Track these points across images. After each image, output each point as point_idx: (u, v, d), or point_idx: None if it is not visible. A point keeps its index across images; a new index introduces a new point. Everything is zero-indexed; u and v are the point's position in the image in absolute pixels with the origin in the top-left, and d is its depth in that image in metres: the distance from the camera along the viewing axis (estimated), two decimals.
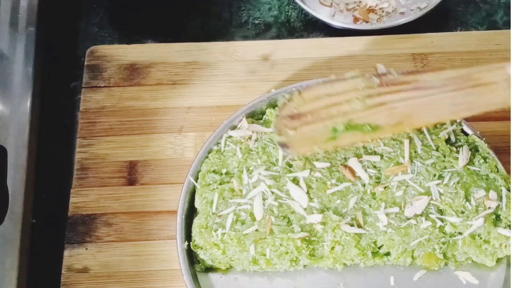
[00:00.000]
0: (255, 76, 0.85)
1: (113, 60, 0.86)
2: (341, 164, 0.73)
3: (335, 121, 0.65)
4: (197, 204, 0.73)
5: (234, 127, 0.77)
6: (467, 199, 0.71)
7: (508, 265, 0.72)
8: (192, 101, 0.84)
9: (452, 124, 0.75)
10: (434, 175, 0.72)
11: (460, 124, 0.76)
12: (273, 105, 0.78)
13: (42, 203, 0.80)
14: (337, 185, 0.72)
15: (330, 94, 0.65)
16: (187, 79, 0.85)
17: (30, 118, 0.81)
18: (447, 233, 0.70)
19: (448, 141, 0.75)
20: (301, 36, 0.91)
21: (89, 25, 0.92)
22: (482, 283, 0.72)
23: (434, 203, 0.71)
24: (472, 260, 0.72)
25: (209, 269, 0.73)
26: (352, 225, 0.70)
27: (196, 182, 0.74)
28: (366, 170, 0.72)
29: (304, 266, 0.72)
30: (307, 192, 0.71)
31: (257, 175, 0.72)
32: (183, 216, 0.73)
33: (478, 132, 0.75)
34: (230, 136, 0.76)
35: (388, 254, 0.71)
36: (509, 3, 0.91)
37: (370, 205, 0.71)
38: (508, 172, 0.73)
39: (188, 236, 0.73)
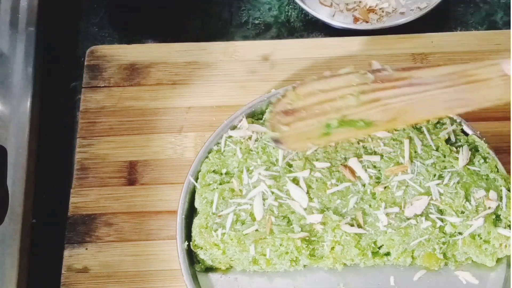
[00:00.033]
0: (255, 76, 0.85)
1: (113, 60, 0.86)
2: (341, 164, 0.73)
3: (329, 117, 0.65)
4: (197, 204, 0.73)
5: (234, 127, 0.77)
6: (467, 199, 0.71)
7: (508, 265, 0.72)
8: (192, 101, 0.84)
9: (452, 124, 0.75)
10: (434, 175, 0.72)
11: (460, 124, 0.76)
12: None
13: (42, 203, 0.80)
14: (337, 185, 0.72)
15: (324, 90, 0.65)
16: (187, 79, 0.85)
17: (30, 118, 0.81)
18: (447, 233, 0.70)
19: (448, 141, 0.75)
20: (301, 36, 0.91)
21: (89, 25, 0.92)
22: (482, 283, 0.72)
23: (434, 203, 0.71)
24: (472, 260, 0.72)
25: (209, 269, 0.73)
26: (352, 225, 0.70)
27: (196, 182, 0.74)
28: (366, 170, 0.72)
29: (304, 266, 0.72)
30: (307, 192, 0.71)
31: (257, 175, 0.72)
32: (183, 216, 0.73)
33: (478, 132, 0.75)
34: (230, 136, 0.76)
35: (388, 254, 0.71)
36: (509, 3, 0.91)
37: (370, 205, 0.71)
38: (508, 172, 0.73)
39: (188, 236, 0.73)
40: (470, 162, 0.73)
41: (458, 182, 0.71)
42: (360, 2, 0.89)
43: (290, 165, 0.73)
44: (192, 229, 0.72)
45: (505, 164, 0.74)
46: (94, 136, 0.82)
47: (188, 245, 0.72)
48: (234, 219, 0.71)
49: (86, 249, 0.76)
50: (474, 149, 0.75)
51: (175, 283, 0.74)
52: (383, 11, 0.88)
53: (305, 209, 0.70)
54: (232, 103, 0.83)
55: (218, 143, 0.76)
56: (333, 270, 0.72)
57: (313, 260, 0.71)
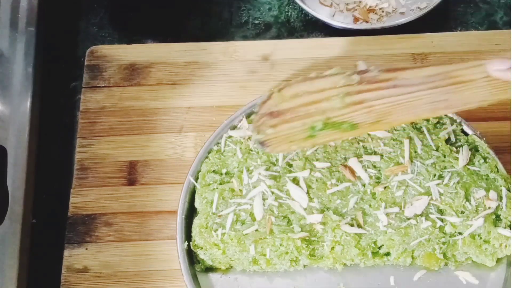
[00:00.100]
0: (255, 76, 0.85)
1: (113, 60, 0.86)
2: (341, 164, 0.73)
3: (314, 119, 0.64)
4: (197, 204, 0.73)
5: (234, 127, 0.77)
6: (467, 199, 0.71)
7: (508, 265, 0.72)
8: (192, 101, 0.84)
9: (452, 124, 0.76)
10: (434, 175, 0.72)
11: (460, 124, 0.76)
12: None
13: (42, 203, 0.80)
14: (337, 185, 0.72)
15: (310, 91, 0.64)
16: (187, 79, 0.85)
17: (30, 118, 0.81)
18: (447, 233, 0.70)
19: (448, 141, 0.75)
20: (301, 36, 0.91)
21: (89, 25, 0.92)
22: (482, 283, 0.72)
23: (434, 203, 0.71)
24: (472, 260, 0.72)
25: (209, 269, 0.73)
26: (352, 225, 0.70)
27: (196, 182, 0.74)
28: (366, 170, 0.72)
29: (304, 266, 0.72)
30: (307, 192, 0.71)
31: (257, 175, 0.72)
32: (183, 216, 0.73)
33: (478, 132, 0.75)
34: (230, 136, 0.76)
35: (388, 254, 0.71)
36: (509, 3, 0.91)
37: (370, 205, 0.71)
38: (508, 172, 0.73)
39: (188, 236, 0.73)
40: (470, 162, 0.73)
41: (458, 182, 0.71)
42: (360, 2, 0.89)
43: (290, 165, 0.73)
44: (192, 229, 0.72)
45: (505, 164, 0.74)
46: (94, 136, 0.82)
47: (188, 245, 0.72)
48: (234, 219, 0.71)
49: (86, 249, 0.76)
50: (474, 149, 0.75)
51: (175, 283, 0.74)
52: (383, 11, 0.88)
53: (305, 209, 0.70)
54: (232, 103, 0.83)
55: (218, 143, 0.76)
56: (333, 270, 0.72)
57: (313, 260, 0.71)
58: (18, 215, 0.75)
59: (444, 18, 0.91)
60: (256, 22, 0.92)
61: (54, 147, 0.83)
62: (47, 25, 0.89)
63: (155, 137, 0.82)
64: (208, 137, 0.77)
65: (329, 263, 0.71)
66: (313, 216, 0.70)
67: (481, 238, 0.71)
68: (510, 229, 0.70)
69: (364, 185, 0.72)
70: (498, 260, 0.72)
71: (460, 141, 0.75)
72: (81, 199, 0.78)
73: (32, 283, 0.75)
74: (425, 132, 0.74)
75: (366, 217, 0.71)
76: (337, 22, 0.87)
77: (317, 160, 0.73)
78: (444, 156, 0.73)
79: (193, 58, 0.86)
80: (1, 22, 0.86)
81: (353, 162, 0.72)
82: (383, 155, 0.73)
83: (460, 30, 0.90)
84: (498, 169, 0.73)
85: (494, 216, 0.71)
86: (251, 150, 0.74)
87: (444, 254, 0.71)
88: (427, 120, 0.75)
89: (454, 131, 0.75)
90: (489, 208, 0.70)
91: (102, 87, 0.85)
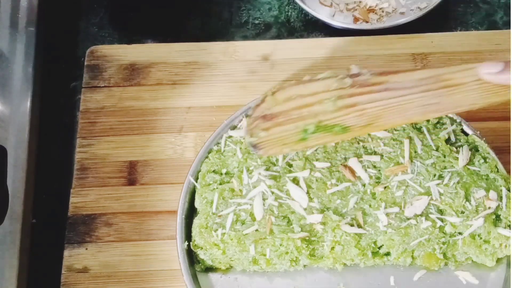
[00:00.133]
0: (255, 76, 0.85)
1: (113, 60, 0.86)
2: (341, 164, 0.73)
3: (306, 122, 0.65)
4: (197, 204, 0.73)
5: (234, 127, 0.77)
6: (467, 199, 0.71)
7: (508, 265, 0.72)
8: (192, 101, 0.84)
9: (452, 124, 0.76)
10: (434, 175, 0.72)
11: (460, 124, 0.76)
12: None
13: (42, 203, 0.80)
14: (337, 185, 0.72)
15: (303, 94, 0.65)
16: (187, 79, 0.85)
17: (30, 118, 0.81)
18: (447, 233, 0.70)
19: (448, 141, 0.75)
20: (301, 36, 0.91)
21: (89, 25, 0.92)
22: (482, 283, 0.72)
23: (434, 203, 0.71)
24: (472, 260, 0.72)
25: (209, 269, 0.73)
26: (352, 225, 0.70)
27: (196, 182, 0.74)
28: (366, 170, 0.72)
29: (304, 266, 0.72)
30: (307, 192, 0.71)
31: (257, 175, 0.72)
32: (183, 216, 0.73)
33: (478, 132, 0.75)
34: (230, 136, 0.76)
35: (388, 254, 0.71)
36: (509, 3, 0.91)
37: (370, 205, 0.71)
38: (508, 172, 0.73)
39: (188, 236, 0.73)
40: (470, 162, 0.73)
41: (458, 182, 0.71)
42: (360, 2, 0.89)
43: (290, 165, 0.73)
44: (192, 229, 0.72)
45: (505, 164, 0.74)
46: (94, 136, 0.82)
47: (188, 245, 0.72)
48: (234, 219, 0.71)
49: (86, 249, 0.76)
50: (474, 149, 0.75)
51: (175, 283, 0.74)
52: (383, 11, 0.88)
53: (305, 209, 0.70)
54: (232, 103, 0.83)
55: (218, 143, 0.76)
56: (333, 270, 0.72)
57: (313, 260, 0.71)
58: (18, 215, 0.75)
59: (444, 18, 0.91)
60: (256, 22, 0.92)
61: (54, 147, 0.83)
62: (47, 25, 0.89)
63: (155, 137, 0.82)
64: (208, 137, 0.77)
65: (329, 263, 0.71)
66: (313, 216, 0.70)
67: (481, 238, 0.71)
68: (510, 229, 0.70)
69: (364, 185, 0.72)
70: (498, 260, 0.72)
71: (460, 141, 0.75)
72: (81, 199, 0.78)
73: (32, 283, 0.75)
74: (425, 132, 0.74)
75: (366, 217, 0.71)
76: (337, 22, 0.87)
77: (317, 160, 0.73)
78: (444, 156, 0.73)
79: (193, 58, 0.86)
80: (1, 22, 0.86)
81: (353, 162, 0.73)
82: (383, 155, 0.73)
83: (460, 30, 0.90)
84: (498, 169, 0.73)
85: (494, 216, 0.71)
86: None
87: (444, 254, 0.71)
88: (427, 120, 0.75)
89: (454, 131, 0.75)
90: (489, 208, 0.70)
91: (102, 87, 0.85)
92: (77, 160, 0.80)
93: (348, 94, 0.63)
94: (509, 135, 0.78)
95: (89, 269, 0.75)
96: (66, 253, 0.76)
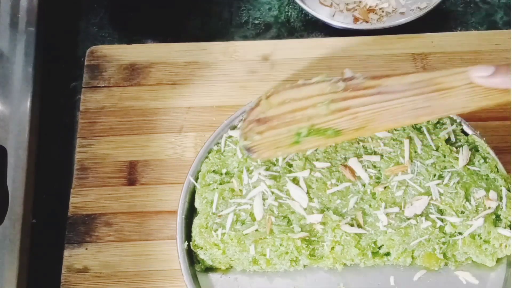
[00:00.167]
0: (255, 76, 0.85)
1: (113, 60, 0.86)
2: (341, 164, 0.73)
3: (299, 126, 0.65)
4: (197, 204, 0.73)
5: (234, 127, 0.77)
6: (467, 199, 0.71)
7: (508, 265, 0.72)
8: (192, 101, 0.84)
9: (452, 124, 0.76)
10: (434, 175, 0.72)
11: (460, 124, 0.76)
12: None
13: (42, 203, 0.80)
14: (337, 185, 0.72)
15: (297, 98, 0.65)
16: (187, 79, 0.85)
17: (30, 118, 0.81)
18: (447, 233, 0.70)
19: (448, 141, 0.75)
20: (301, 36, 0.91)
21: (89, 25, 0.92)
22: (482, 283, 0.72)
23: (434, 203, 0.71)
24: (472, 260, 0.72)
25: (209, 269, 0.73)
26: (352, 225, 0.70)
27: (196, 182, 0.74)
28: (366, 170, 0.72)
29: (304, 266, 0.72)
30: (307, 192, 0.71)
31: (257, 175, 0.72)
32: (183, 216, 0.73)
33: (478, 132, 0.75)
34: (230, 136, 0.76)
35: (388, 254, 0.71)
36: (509, 3, 0.91)
37: (370, 205, 0.71)
38: (508, 172, 0.73)
39: (188, 236, 0.73)
40: (470, 162, 0.73)
41: (458, 182, 0.71)
42: (360, 2, 0.89)
43: (290, 165, 0.73)
44: (192, 229, 0.72)
45: (505, 164, 0.74)
46: (94, 136, 0.82)
47: (188, 245, 0.72)
48: (234, 219, 0.71)
49: (86, 249, 0.76)
50: (474, 149, 0.75)
51: (175, 283, 0.74)
52: (383, 11, 0.88)
53: (305, 209, 0.70)
54: (232, 103, 0.83)
55: (218, 143, 0.76)
56: (333, 270, 0.72)
57: (313, 260, 0.71)
58: (18, 215, 0.75)
59: (444, 18, 0.91)
60: (256, 22, 0.92)
61: (54, 147, 0.83)
62: (47, 25, 0.89)
63: (155, 137, 0.82)
64: (208, 137, 0.77)
65: (329, 263, 0.71)
66: (313, 216, 0.70)
67: (481, 238, 0.71)
68: (510, 229, 0.70)
69: (364, 185, 0.72)
70: (498, 260, 0.72)
71: (460, 141, 0.75)
72: (81, 199, 0.78)
73: (32, 283, 0.75)
74: (425, 132, 0.74)
75: (366, 217, 0.71)
76: (337, 22, 0.87)
77: (317, 160, 0.73)
78: (444, 156, 0.73)
79: (193, 58, 0.86)
80: (1, 22, 0.86)
81: (353, 162, 0.73)
82: (383, 155, 0.73)
83: (460, 30, 0.90)
84: (498, 169, 0.73)
85: (494, 216, 0.71)
86: None
87: (444, 254, 0.71)
88: (427, 120, 0.75)
89: (454, 131, 0.75)
90: (489, 208, 0.70)
91: (102, 87, 0.85)
92: (77, 160, 0.80)
93: (341, 97, 0.63)
94: (509, 135, 0.78)
95: (89, 269, 0.75)
96: (66, 253, 0.76)
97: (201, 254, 0.72)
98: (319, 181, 0.72)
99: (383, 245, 0.71)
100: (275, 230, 0.70)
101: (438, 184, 0.71)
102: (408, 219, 0.70)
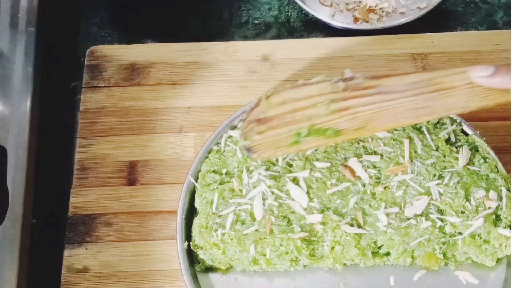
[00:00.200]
0: (255, 76, 0.85)
1: (113, 60, 0.86)
2: (341, 164, 0.73)
3: (299, 126, 0.65)
4: (197, 204, 0.73)
5: (234, 127, 0.77)
6: (467, 199, 0.71)
7: (508, 265, 0.72)
8: (192, 101, 0.84)
9: (452, 124, 0.76)
10: (434, 175, 0.72)
11: (460, 124, 0.76)
12: None
13: (42, 203, 0.80)
14: (337, 185, 0.72)
15: (297, 98, 0.65)
16: (187, 79, 0.85)
17: (30, 118, 0.81)
18: (447, 233, 0.70)
19: (448, 141, 0.75)
20: (301, 36, 0.91)
21: (89, 25, 0.92)
22: (482, 283, 0.72)
23: (434, 203, 0.71)
24: (472, 260, 0.72)
25: (209, 269, 0.73)
26: (352, 225, 0.70)
27: (196, 182, 0.74)
28: (366, 170, 0.72)
29: (304, 266, 0.72)
30: (307, 192, 0.71)
31: (257, 175, 0.72)
32: (183, 216, 0.73)
33: (478, 132, 0.75)
34: (230, 136, 0.76)
35: (388, 254, 0.71)
36: (509, 3, 0.91)
37: (370, 205, 0.71)
38: (508, 172, 0.73)
39: (188, 236, 0.73)
40: (470, 162, 0.73)
41: (458, 182, 0.71)
42: (360, 2, 0.89)
43: (290, 165, 0.73)
44: (192, 229, 0.72)
45: (505, 164, 0.74)
46: (94, 136, 0.82)
47: (188, 245, 0.72)
48: (234, 219, 0.71)
49: (86, 249, 0.76)
50: (474, 149, 0.75)
51: (175, 283, 0.74)
52: (383, 11, 0.88)
53: (305, 209, 0.70)
54: (232, 103, 0.83)
55: (218, 143, 0.76)
56: (333, 270, 0.72)
57: (313, 260, 0.71)
58: (18, 215, 0.75)
59: (444, 18, 0.91)
60: (256, 22, 0.92)
61: (54, 147, 0.83)
62: (47, 25, 0.89)
63: (155, 137, 0.82)
64: (208, 137, 0.77)
65: (329, 263, 0.71)
66: (313, 216, 0.70)
67: (481, 238, 0.71)
68: (510, 229, 0.70)
69: (364, 185, 0.72)
70: (498, 260, 0.72)
71: (460, 141, 0.75)
72: (81, 199, 0.78)
73: (32, 283, 0.75)
74: (425, 132, 0.74)
75: (366, 217, 0.71)
76: (337, 22, 0.87)
77: (317, 160, 0.73)
78: (444, 156, 0.73)
79: (193, 58, 0.86)
80: (1, 22, 0.86)
81: (353, 162, 0.73)
82: (383, 155, 0.73)
83: (460, 30, 0.90)
84: (498, 169, 0.73)
85: (494, 216, 0.71)
86: None
87: (444, 254, 0.71)
88: (427, 120, 0.75)
89: (454, 131, 0.75)
90: (489, 208, 0.70)
91: (102, 87, 0.85)
92: (77, 160, 0.80)
93: (341, 97, 0.64)
94: (509, 135, 0.78)
95: (89, 269, 0.75)
96: (66, 253, 0.76)
97: (201, 254, 0.72)
98: (319, 181, 0.72)
99: (383, 245, 0.71)
100: (275, 230, 0.70)
101: (438, 184, 0.71)
102: (408, 219, 0.70)
